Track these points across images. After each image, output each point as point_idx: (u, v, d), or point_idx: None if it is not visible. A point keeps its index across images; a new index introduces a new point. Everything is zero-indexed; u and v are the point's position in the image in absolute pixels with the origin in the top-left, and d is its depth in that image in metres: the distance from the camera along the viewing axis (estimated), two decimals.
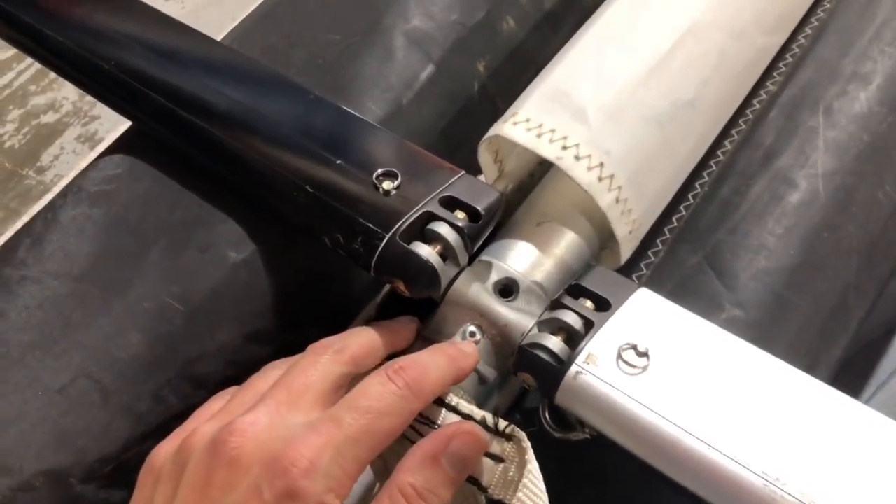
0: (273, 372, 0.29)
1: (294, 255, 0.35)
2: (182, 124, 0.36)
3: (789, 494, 0.25)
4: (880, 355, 0.42)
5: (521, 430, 0.33)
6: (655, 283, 0.36)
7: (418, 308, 0.34)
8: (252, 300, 0.34)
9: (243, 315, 0.34)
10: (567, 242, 0.36)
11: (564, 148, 0.34)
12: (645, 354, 0.29)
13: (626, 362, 0.28)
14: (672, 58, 0.36)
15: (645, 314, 0.30)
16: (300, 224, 0.34)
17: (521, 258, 0.35)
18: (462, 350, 0.30)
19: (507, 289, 0.34)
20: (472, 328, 0.33)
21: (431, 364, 0.28)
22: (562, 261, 0.36)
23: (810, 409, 0.28)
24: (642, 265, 0.37)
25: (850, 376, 0.42)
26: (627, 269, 0.37)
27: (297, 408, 0.26)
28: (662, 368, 0.28)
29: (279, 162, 0.33)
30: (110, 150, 0.39)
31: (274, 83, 0.37)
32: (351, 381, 0.28)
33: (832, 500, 0.25)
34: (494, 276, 0.34)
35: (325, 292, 0.36)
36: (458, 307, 0.33)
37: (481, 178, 0.40)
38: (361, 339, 0.29)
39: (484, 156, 0.37)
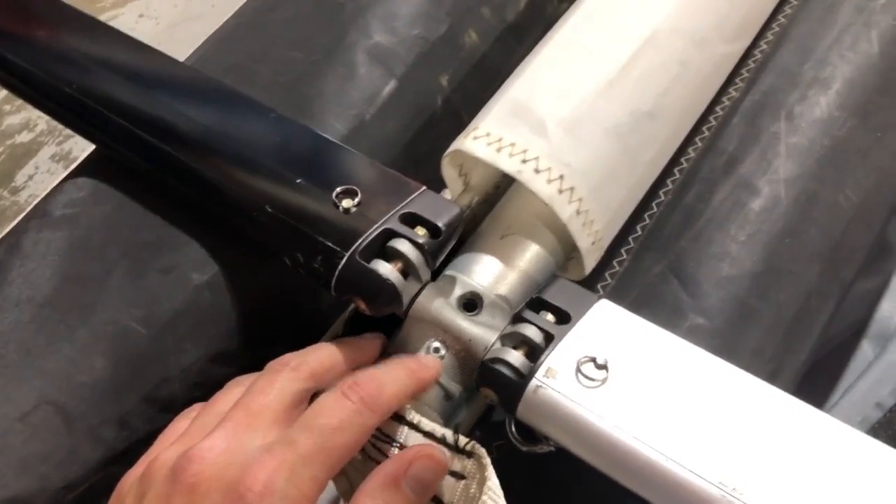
0: (236, 389, 0.29)
1: (258, 274, 0.35)
2: (143, 146, 0.36)
3: (744, 502, 0.25)
4: (849, 357, 0.43)
5: (485, 445, 0.33)
6: (620, 293, 0.36)
7: (385, 324, 0.34)
8: (216, 321, 0.34)
9: (208, 336, 0.34)
10: (531, 255, 0.36)
11: (524, 161, 0.34)
12: (604, 367, 0.29)
13: (585, 375, 0.29)
14: (631, 69, 0.36)
15: (605, 326, 0.30)
16: (262, 244, 0.34)
17: (485, 272, 0.35)
18: (422, 362, 0.30)
19: (471, 303, 0.34)
20: (436, 344, 0.33)
21: (388, 378, 0.28)
22: (526, 273, 0.36)
23: (768, 419, 0.28)
24: (607, 275, 0.37)
25: (821, 378, 0.42)
26: (592, 279, 0.37)
27: (255, 429, 0.26)
28: (621, 380, 0.28)
29: (239, 182, 0.33)
30: (74, 174, 0.39)
31: (235, 103, 0.37)
32: (313, 397, 0.28)
33: None
34: (458, 291, 0.34)
35: (290, 311, 0.36)
36: (421, 323, 0.33)
37: (446, 192, 0.40)
38: (321, 355, 0.29)
39: (448, 170, 0.38)
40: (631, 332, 0.30)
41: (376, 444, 0.29)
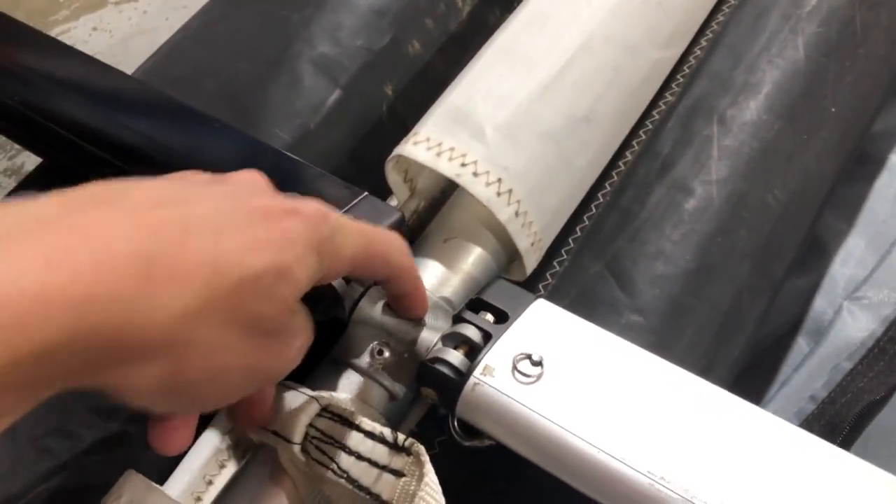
0: None
1: None
2: (88, 158, 0.36)
3: (673, 491, 0.26)
4: (786, 352, 0.44)
5: (428, 440, 0.34)
6: (560, 292, 0.37)
7: (332, 330, 0.35)
8: None
9: None
10: (473, 257, 0.37)
11: (463, 165, 0.35)
12: (539, 363, 0.30)
13: (520, 372, 0.29)
14: (566, 74, 0.38)
15: (541, 324, 0.31)
16: None
17: (428, 275, 0.36)
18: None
19: None
20: (379, 346, 0.33)
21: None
22: (469, 276, 0.36)
23: (697, 411, 0.29)
24: (548, 275, 0.38)
25: (759, 373, 0.44)
26: (535, 280, 0.38)
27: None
28: (556, 376, 0.29)
29: None
30: (21, 187, 0.39)
31: (179, 114, 0.37)
32: None
33: (714, 494, 0.26)
34: None
35: None
36: (364, 326, 0.33)
37: (393, 198, 0.41)
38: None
39: (392, 176, 0.38)
40: (566, 330, 0.31)
41: (320, 445, 0.30)
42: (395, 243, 0.29)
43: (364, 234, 0.28)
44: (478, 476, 0.34)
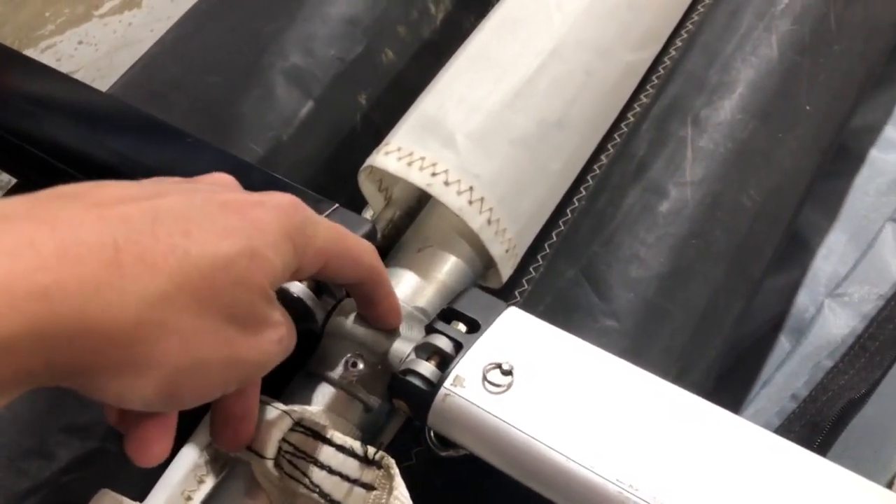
0: None
1: None
2: (61, 177, 0.36)
3: (642, 499, 0.26)
4: (768, 351, 0.44)
5: (405, 451, 0.34)
6: (536, 298, 0.37)
7: (307, 342, 0.35)
8: None
9: None
10: (448, 266, 0.37)
11: (434, 174, 0.35)
12: (509, 373, 0.30)
13: (490, 382, 0.29)
14: (538, 80, 0.38)
15: (512, 333, 0.31)
16: None
17: (402, 284, 0.36)
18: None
19: None
20: (353, 358, 0.33)
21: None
22: (444, 285, 0.36)
23: (668, 418, 0.29)
24: (524, 281, 0.38)
25: (741, 372, 0.44)
26: (511, 286, 0.38)
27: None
28: (526, 385, 0.29)
29: None
30: None
31: (151, 130, 0.37)
32: None
33: (683, 501, 0.26)
34: None
35: None
36: (338, 338, 0.33)
37: (369, 208, 0.41)
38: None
39: (366, 186, 0.38)
40: (537, 338, 0.31)
41: (292, 460, 0.30)
42: (367, 246, 0.30)
43: (336, 230, 0.28)
44: (455, 486, 0.34)
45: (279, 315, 0.26)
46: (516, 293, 0.38)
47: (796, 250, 0.47)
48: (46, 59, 0.83)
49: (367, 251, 0.30)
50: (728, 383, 0.42)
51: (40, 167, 0.37)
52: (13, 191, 0.39)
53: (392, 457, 0.34)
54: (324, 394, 0.33)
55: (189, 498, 0.33)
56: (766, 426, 0.40)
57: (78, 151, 0.36)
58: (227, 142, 0.39)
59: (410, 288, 0.36)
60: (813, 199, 0.46)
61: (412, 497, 0.30)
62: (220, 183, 0.27)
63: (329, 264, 0.28)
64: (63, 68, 0.42)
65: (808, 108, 0.41)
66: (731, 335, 0.37)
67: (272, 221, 0.24)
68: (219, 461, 0.34)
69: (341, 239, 0.28)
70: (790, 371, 0.41)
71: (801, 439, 0.39)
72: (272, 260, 0.24)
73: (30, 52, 0.84)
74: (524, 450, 0.28)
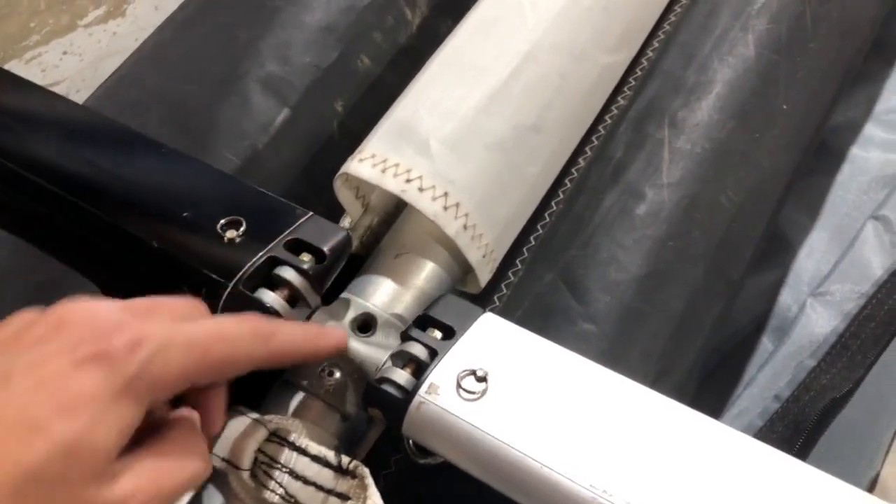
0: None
1: None
2: (32, 188, 0.36)
3: (613, 503, 0.26)
4: (751, 351, 0.44)
5: (384, 459, 0.34)
6: (514, 303, 0.37)
7: None
8: None
9: None
10: (426, 273, 0.37)
11: (408, 181, 0.35)
12: (483, 379, 0.29)
13: (464, 389, 0.29)
14: (512, 84, 0.37)
15: (487, 339, 0.31)
16: (154, 280, 0.34)
17: (379, 292, 0.36)
18: (323, 330, 0.31)
19: (366, 324, 0.35)
20: (329, 367, 0.33)
21: (285, 327, 0.29)
22: (422, 291, 0.36)
23: (645, 422, 0.29)
24: (503, 286, 0.38)
25: (725, 373, 0.43)
26: (490, 291, 0.38)
27: (148, 311, 0.25)
28: (501, 392, 0.29)
29: (128, 219, 0.34)
30: None
31: (124, 140, 0.37)
32: None
33: None
34: (352, 313, 0.35)
35: None
36: None
37: (347, 216, 0.41)
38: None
39: (342, 193, 0.38)
40: (513, 344, 0.31)
41: (268, 471, 0.30)
42: (244, 336, 0.26)
43: (194, 345, 0.25)
44: (434, 494, 0.34)
45: (128, 481, 0.23)
46: (495, 298, 0.38)
47: (778, 249, 0.47)
48: (31, 69, 0.83)
49: (248, 342, 0.27)
50: (712, 385, 0.42)
51: (7, 178, 0.37)
52: None
53: (371, 465, 0.34)
54: (300, 403, 0.33)
55: None
56: (749, 427, 0.40)
57: (49, 163, 0.36)
58: (202, 151, 0.38)
59: (388, 295, 0.36)
60: (794, 197, 0.46)
61: None
62: (79, 327, 0.24)
63: (198, 380, 0.25)
64: (48, 78, 0.42)
65: (785, 107, 0.41)
66: (711, 337, 0.37)
67: (98, 386, 0.22)
68: None
69: (206, 352, 0.25)
70: (773, 371, 0.41)
71: (783, 440, 0.39)
72: (99, 439, 0.22)
73: (14, 63, 0.83)
74: (498, 456, 0.28)
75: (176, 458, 0.25)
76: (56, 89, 0.42)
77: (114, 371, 0.23)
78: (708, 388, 0.42)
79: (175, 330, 0.25)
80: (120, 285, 0.35)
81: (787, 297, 0.45)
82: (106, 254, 0.36)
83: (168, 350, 0.24)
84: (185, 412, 0.27)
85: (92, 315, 0.24)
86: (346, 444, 0.34)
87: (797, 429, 0.38)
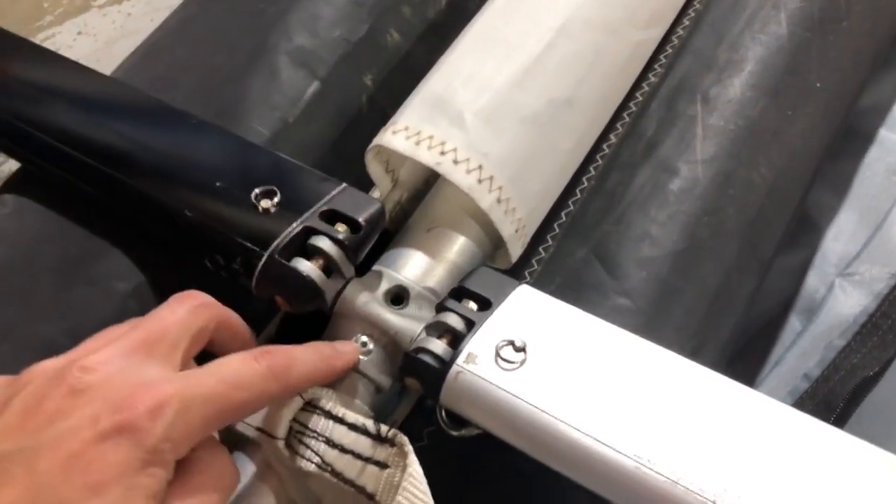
0: (124, 326, 0.27)
1: (184, 281, 0.35)
2: (65, 159, 0.36)
3: (660, 474, 0.26)
4: (779, 331, 0.44)
5: (417, 431, 0.34)
6: (546, 278, 0.37)
7: (318, 323, 0.34)
8: None
9: None
10: (458, 246, 0.36)
11: (443, 153, 0.35)
12: (522, 349, 0.29)
13: (503, 358, 0.29)
14: (546, 58, 0.37)
15: (524, 310, 0.31)
16: (186, 249, 0.34)
17: (412, 265, 0.36)
18: (336, 349, 0.30)
19: (398, 297, 0.35)
20: (363, 338, 0.33)
21: (300, 356, 0.28)
22: (454, 265, 0.36)
23: (685, 392, 0.28)
24: (534, 261, 0.38)
25: (753, 353, 0.43)
26: (520, 267, 0.38)
27: (152, 354, 0.25)
28: (540, 362, 0.29)
29: (160, 188, 0.33)
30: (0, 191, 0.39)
31: (155, 111, 0.37)
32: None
33: (701, 475, 0.26)
34: (385, 286, 0.34)
35: None
36: (347, 318, 0.33)
37: (376, 190, 0.40)
38: (229, 311, 0.30)
39: (373, 166, 0.38)
40: (549, 315, 0.31)
41: (303, 440, 0.30)
42: (261, 377, 0.26)
43: (213, 398, 0.25)
44: (467, 466, 0.33)
45: None
46: (526, 273, 0.38)
47: (806, 231, 0.46)
48: None
49: (261, 382, 0.26)
50: (739, 365, 0.42)
51: (40, 149, 0.36)
52: (15, 177, 0.39)
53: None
54: None
55: None
56: None
57: (79, 133, 0.36)
58: (232, 123, 0.38)
59: (420, 268, 0.36)
60: (822, 179, 0.46)
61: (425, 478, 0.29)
62: (91, 406, 0.23)
63: (225, 422, 0.26)
64: None
65: (818, 85, 0.41)
66: (743, 315, 0.37)
67: (125, 458, 0.22)
68: (228, 442, 0.33)
69: (227, 398, 0.25)
70: (801, 351, 0.41)
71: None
72: None
73: None
74: (538, 425, 0.27)
75: (204, 491, 0.25)
76: None
77: (139, 441, 0.23)
78: (735, 369, 0.42)
79: (192, 384, 0.25)
80: (153, 256, 0.35)
81: (813, 279, 0.45)
82: (139, 225, 0.36)
83: (189, 409, 0.24)
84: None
85: (104, 379, 0.24)
86: (378, 416, 0.33)
87: (828, 407, 0.38)
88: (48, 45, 0.84)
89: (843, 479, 0.26)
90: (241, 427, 0.30)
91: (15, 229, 0.36)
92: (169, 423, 0.23)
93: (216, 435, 0.28)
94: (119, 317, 0.34)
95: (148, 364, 0.25)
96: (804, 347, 0.41)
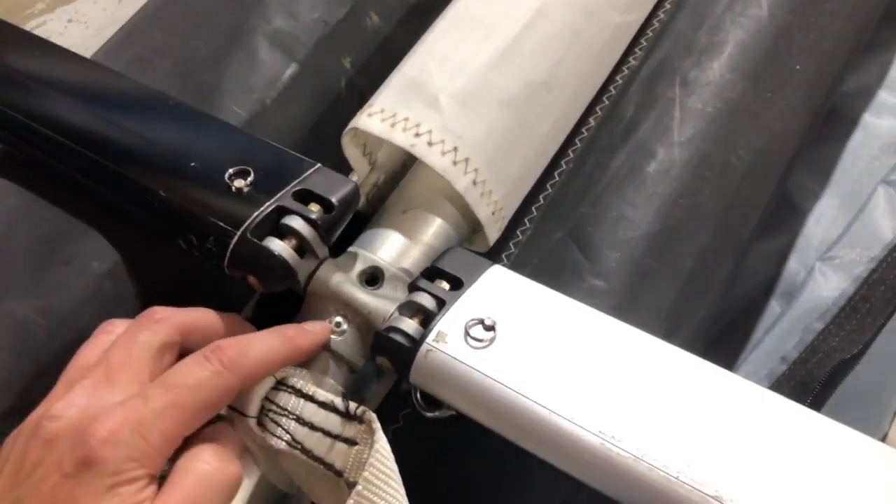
0: (103, 337, 0.29)
1: (159, 261, 0.35)
2: (40, 139, 0.36)
3: (624, 450, 0.26)
4: (759, 315, 0.44)
5: (392, 413, 0.34)
6: (523, 260, 0.37)
7: (295, 304, 0.34)
8: (118, 309, 0.34)
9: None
10: (434, 229, 0.37)
11: (417, 135, 0.35)
12: (492, 328, 0.29)
13: (473, 337, 0.29)
14: (524, 40, 0.37)
15: (496, 290, 0.31)
16: (161, 230, 0.34)
17: (387, 246, 0.36)
18: (303, 329, 0.31)
19: (373, 277, 0.35)
20: (337, 318, 0.33)
21: (255, 342, 0.28)
22: (429, 247, 0.36)
23: (655, 371, 0.28)
24: (511, 244, 0.38)
25: (733, 336, 0.43)
26: (498, 250, 0.38)
27: (114, 384, 0.27)
28: (509, 340, 0.29)
29: (135, 169, 0.33)
30: None
31: (132, 93, 0.37)
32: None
33: (665, 452, 0.26)
34: (359, 266, 0.34)
35: (196, 297, 0.36)
36: (321, 298, 0.33)
37: (354, 173, 0.40)
38: (192, 312, 0.30)
39: (349, 149, 0.38)
40: (521, 295, 0.31)
41: (275, 418, 0.30)
42: (211, 379, 0.27)
43: (167, 409, 0.26)
44: (443, 448, 0.34)
45: None
46: (503, 257, 0.38)
47: (787, 215, 0.46)
48: None
49: (223, 375, 0.27)
50: (718, 348, 0.42)
51: (15, 129, 0.36)
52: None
53: (380, 420, 0.34)
54: None
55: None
56: None
57: (56, 115, 0.36)
58: (209, 106, 0.38)
59: (395, 249, 0.36)
60: (805, 163, 0.46)
61: (400, 460, 0.30)
62: (62, 444, 0.25)
63: (190, 427, 0.27)
64: None
65: (797, 67, 0.40)
66: (719, 298, 0.37)
67: (91, 489, 0.24)
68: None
69: (181, 404, 0.26)
70: (780, 334, 0.41)
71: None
72: None
73: None
74: (506, 403, 0.28)
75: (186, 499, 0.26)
76: None
77: (101, 470, 0.24)
78: (714, 352, 0.42)
79: (145, 401, 0.26)
80: (128, 237, 0.35)
81: (795, 263, 0.45)
82: (114, 205, 0.36)
83: (145, 425, 0.25)
84: None
85: (69, 419, 0.26)
86: (354, 396, 0.33)
87: (804, 389, 0.38)
88: (39, 32, 0.84)
89: (816, 461, 0.26)
90: None
91: None
92: (127, 445, 0.25)
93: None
94: (95, 296, 0.34)
95: (112, 395, 0.27)
96: (783, 330, 0.41)
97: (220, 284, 0.37)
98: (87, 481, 0.24)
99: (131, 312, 0.34)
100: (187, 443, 0.27)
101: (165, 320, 0.29)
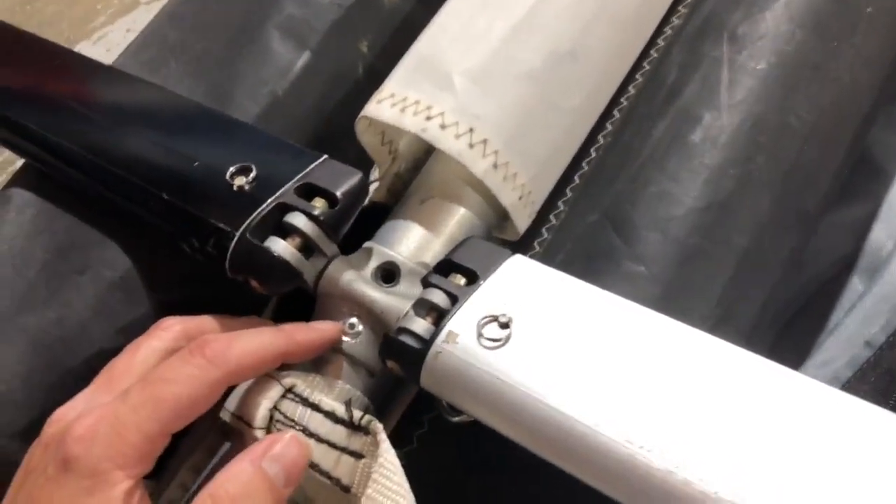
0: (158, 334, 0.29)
1: (173, 266, 0.34)
2: (48, 146, 0.35)
3: (654, 462, 0.22)
4: (837, 295, 0.39)
5: (415, 418, 0.32)
6: (555, 248, 0.34)
7: (300, 302, 0.33)
8: (132, 316, 0.33)
9: (125, 332, 0.33)
10: (456, 219, 0.34)
11: (429, 118, 0.32)
12: (507, 326, 0.26)
13: (486, 337, 0.26)
14: (544, 6, 0.34)
15: (515, 283, 0.28)
16: (167, 234, 0.33)
17: (405, 240, 0.33)
18: (305, 325, 0.29)
19: (389, 273, 0.32)
20: (352, 319, 0.31)
21: (246, 336, 0.27)
22: (452, 238, 0.34)
23: (694, 370, 0.25)
24: (543, 230, 0.35)
25: (806, 321, 0.38)
26: (530, 238, 0.35)
27: (112, 389, 0.27)
28: (527, 339, 0.26)
29: (138, 172, 0.32)
30: (8, 185, 0.39)
31: (138, 94, 0.36)
32: None
33: (701, 465, 0.22)
34: (374, 263, 0.32)
35: (211, 300, 0.34)
36: (332, 298, 0.31)
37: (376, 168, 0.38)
38: (203, 319, 0.30)
39: (366, 138, 0.36)
40: (544, 288, 0.28)
41: (281, 428, 0.28)
42: (190, 373, 0.26)
43: (143, 405, 0.25)
44: (468, 453, 0.31)
45: None
46: (536, 244, 0.35)
47: (868, 179, 0.41)
48: (98, 49, 0.85)
49: (207, 368, 0.26)
50: (790, 334, 0.37)
51: (27, 138, 0.36)
52: (21, 173, 0.39)
53: (407, 424, 0.32)
54: (322, 358, 0.31)
55: (198, 470, 0.33)
56: (835, 378, 0.35)
57: (62, 120, 0.35)
58: (223, 102, 0.37)
59: (414, 242, 0.33)
60: (886, 118, 0.40)
61: (421, 467, 0.27)
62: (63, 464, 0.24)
63: (173, 425, 0.26)
64: (112, 55, 0.41)
65: (869, 10, 0.35)
66: (783, 279, 0.33)
67: (71, 491, 0.24)
68: (220, 433, 0.32)
69: (159, 399, 0.25)
70: (864, 315, 0.36)
71: (877, 391, 0.34)
72: None
73: (84, 44, 0.85)
74: (522, 408, 0.25)
75: None
76: None
77: (79, 470, 0.24)
78: (787, 339, 0.38)
79: (123, 399, 0.25)
80: (140, 242, 0.34)
81: (879, 233, 0.40)
82: (125, 209, 0.35)
83: (121, 422, 0.24)
84: None
85: (66, 423, 0.25)
86: (377, 402, 0.31)
87: (893, 378, 0.33)
88: (101, 43, 0.86)
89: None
90: (223, 416, 0.29)
91: (11, 223, 0.36)
92: (103, 444, 0.24)
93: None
94: (108, 304, 0.33)
95: (106, 398, 0.26)
96: (866, 311, 0.36)
97: (238, 288, 0.36)
98: (66, 484, 0.24)
99: (146, 318, 0.34)
100: None
101: (169, 329, 0.29)
